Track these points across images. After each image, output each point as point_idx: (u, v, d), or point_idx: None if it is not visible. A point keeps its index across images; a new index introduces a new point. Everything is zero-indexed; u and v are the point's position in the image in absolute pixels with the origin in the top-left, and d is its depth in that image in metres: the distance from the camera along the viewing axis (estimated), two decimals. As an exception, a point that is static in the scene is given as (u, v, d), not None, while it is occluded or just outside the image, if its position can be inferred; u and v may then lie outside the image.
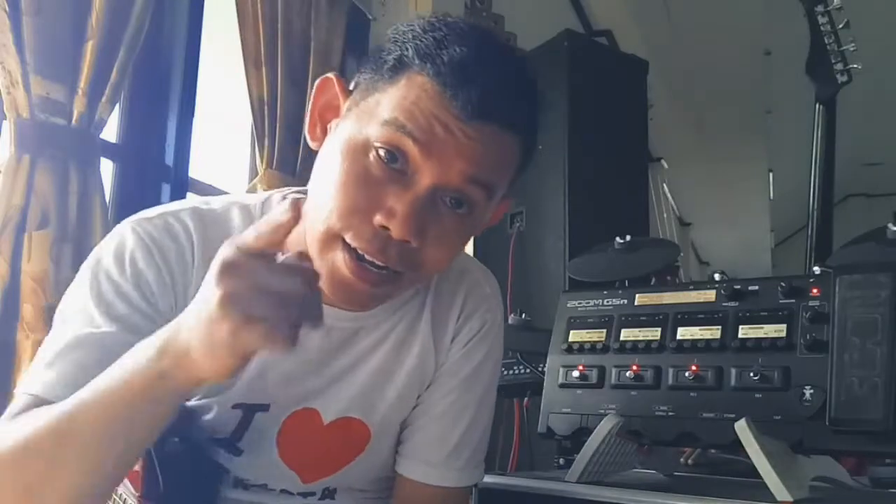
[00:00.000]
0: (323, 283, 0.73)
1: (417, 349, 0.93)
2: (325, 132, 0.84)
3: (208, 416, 0.86)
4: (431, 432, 0.95)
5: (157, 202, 1.81)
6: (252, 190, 1.90)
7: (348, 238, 0.77)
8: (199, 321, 0.61)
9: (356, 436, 0.92)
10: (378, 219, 0.75)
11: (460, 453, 0.96)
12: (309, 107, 0.86)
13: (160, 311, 0.82)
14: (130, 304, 0.81)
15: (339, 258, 0.77)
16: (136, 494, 0.76)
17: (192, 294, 0.67)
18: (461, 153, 0.76)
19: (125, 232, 0.86)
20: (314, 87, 0.85)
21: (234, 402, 0.86)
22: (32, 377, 0.77)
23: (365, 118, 0.78)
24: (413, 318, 0.94)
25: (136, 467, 0.75)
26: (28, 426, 0.67)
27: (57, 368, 0.76)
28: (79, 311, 0.80)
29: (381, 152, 0.76)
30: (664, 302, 1.16)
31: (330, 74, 0.85)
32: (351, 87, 0.83)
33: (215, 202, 0.91)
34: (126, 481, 0.78)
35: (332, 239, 0.78)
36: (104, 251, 0.85)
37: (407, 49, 0.78)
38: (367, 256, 0.77)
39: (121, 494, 0.81)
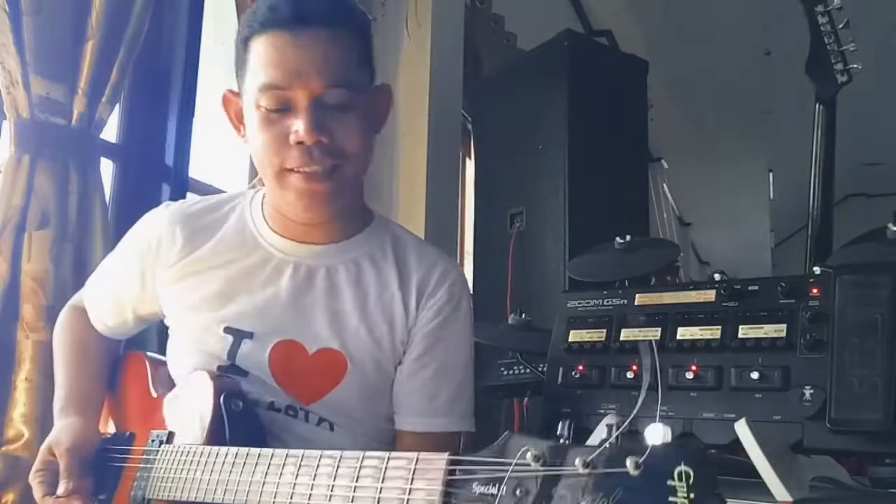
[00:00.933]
0: (291, 209, 1.06)
1: (381, 289, 1.11)
2: (245, 128, 1.08)
3: (211, 340, 1.07)
4: (421, 391, 1.11)
5: (157, 202, 1.79)
6: (251, 189, 1.90)
7: (287, 166, 1.01)
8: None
9: (336, 364, 1.08)
10: (292, 138, 0.99)
11: (449, 405, 1.11)
12: (229, 119, 1.11)
13: None
14: None
15: (292, 179, 1.02)
16: (200, 442, 0.94)
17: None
18: (310, 68, 0.98)
19: None
20: (222, 104, 1.11)
21: (224, 326, 1.08)
22: None
23: (250, 99, 1.02)
24: (374, 262, 1.13)
25: (203, 422, 0.96)
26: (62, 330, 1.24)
27: None
28: None
29: (270, 109, 1.00)
30: (664, 302, 1.16)
31: (225, 91, 1.10)
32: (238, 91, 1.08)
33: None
34: None
35: (279, 174, 1.03)
36: None
37: (241, 31, 1.04)
38: (304, 169, 1.01)
39: None
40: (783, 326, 1.04)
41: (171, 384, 1.14)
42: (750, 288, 1.09)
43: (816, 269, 1.07)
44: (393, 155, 2.37)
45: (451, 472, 0.65)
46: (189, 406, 1.01)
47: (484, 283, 2.36)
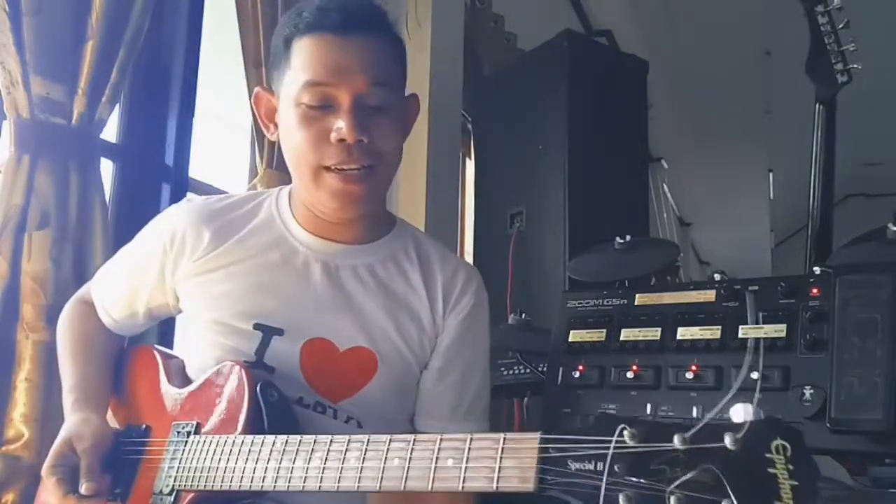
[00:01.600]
0: (324, 207, 1.09)
1: (407, 290, 1.14)
2: (276, 126, 1.12)
3: (236, 335, 1.08)
4: (447, 395, 1.14)
5: (157, 202, 1.81)
6: (252, 190, 1.90)
7: (325, 163, 1.04)
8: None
9: (366, 362, 1.10)
10: (333, 136, 1.02)
11: (471, 409, 1.14)
12: (258, 117, 1.15)
13: None
14: None
15: (328, 178, 1.05)
16: (237, 432, 0.95)
17: None
18: (355, 67, 1.03)
19: None
20: (253, 101, 1.15)
21: (254, 323, 1.08)
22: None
23: (290, 96, 1.05)
24: (399, 264, 1.16)
25: (240, 412, 0.97)
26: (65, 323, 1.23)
27: None
28: None
29: (312, 106, 1.03)
30: (664, 302, 1.16)
31: (258, 88, 1.14)
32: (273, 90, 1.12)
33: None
34: None
35: (316, 172, 1.05)
36: None
37: (283, 31, 1.08)
38: (343, 167, 1.04)
39: None
40: (783, 326, 1.04)
41: (184, 377, 1.13)
42: (750, 288, 1.09)
43: (816, 269, 1.07)
44: (393, 155, 2.37)
45: (545, 451, 0.66)
46: (219, 397, 1.02)
47: (484, 283, 2.36)
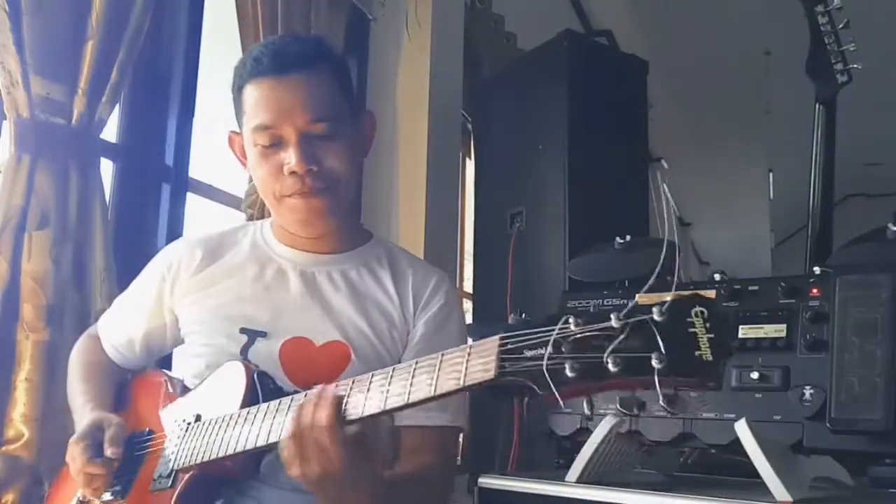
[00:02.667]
0: (293, 226, 1.22)
1: (378, 290, 1.23)
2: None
3: (224, 340, 1.17)
4: None
5: (157, 202, 1.81)
6: (251, 190, 1.90)
7: (284, 193, 1.16)
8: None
9: (341, 354, 1.17)
10: (286, 169, 1.14)
11: (446, 402, 1.10)
12: (235, 156, 1.26)
13: None
14: None
15: (289, 203, 1.17)
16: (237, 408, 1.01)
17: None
18: (295, 106, 1.12)
19: None
20: (228, 143, 1.26)
21: (240, 328, 1.17)
22: None
23: (248, 138, 1.18)
24: (371, 269, 1.25)
25: (238, 394, 1.03)
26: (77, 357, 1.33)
27: None
28: None
29: (265, 146, 1.15)
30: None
31: (230, 132, 1.25)
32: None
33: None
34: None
35: (279, 200, 1.18)
36: None
37: (235, 82, 1.20)
38: (299, 197, 1.15)
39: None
40: (783, 326, 1.04)
41: (185, 389, 1.19)
42: (750, 288, 1.09)
43: (816, 269, 1.07)
44: (393, 155, 2.37)
45: (504, 346, 0.75)
46: (218, 389, 1.08)
47: (484, 283, 2.36)
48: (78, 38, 1.48)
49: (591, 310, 0.75)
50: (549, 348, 0.72)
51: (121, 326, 1.31)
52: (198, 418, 1.07)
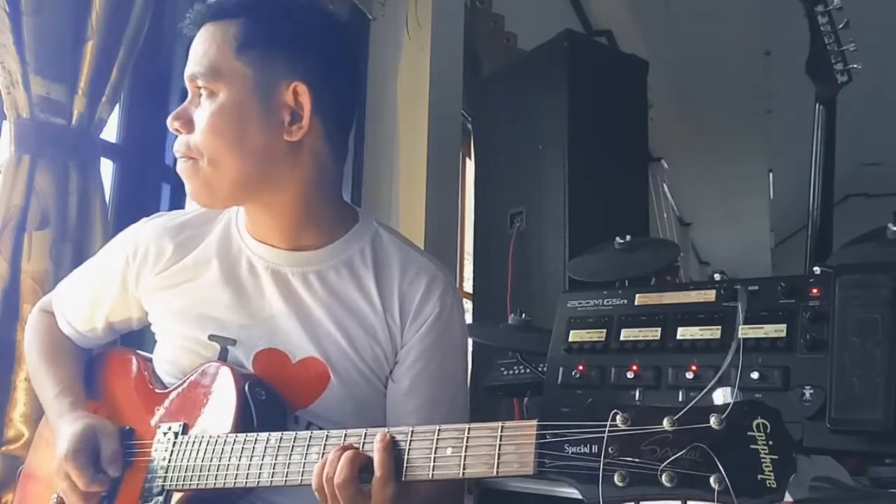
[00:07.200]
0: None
1: (360, 299, 1.09)
2: None
3: (198, 346, 1.08)
4: (421, 412, 1.08)
5: (157, 202, 1.81)
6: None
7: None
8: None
9: (318, 374, 1.07)
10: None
11: (446, 419, 1.05)
12: None
13: None
14: None
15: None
16: (227, 431, 0.97)
17: None
18: (191, 57, 1.04)
19: None
20: None
21: (209, 334, 1.07)
22: None
23: None
24: (353, 269, 1.10)
25: (229, 411, 0.98)
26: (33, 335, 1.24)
27: None
28: None
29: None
30: (664, 302, 1.16)
31: None
32: None
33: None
34: None
35: None
36: None
37: None
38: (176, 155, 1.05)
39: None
40: (783, 326, 1.04)
41: (160, 380, 1.14)
42: (750, 288, 1.09)
43: (816, 269, 1.07)
44: (393, 155, 2.37)
45: (542, 437, 0.70)
46: (206, 397, 1.02)
47: (484, 283, 2.36)
48: (78, 38, 1.48)
49: (638, 402, 0.70)
50: (602, 449, 0.66)
51: (81, 306, 1.20)
52: (185, 429, 1.02)
